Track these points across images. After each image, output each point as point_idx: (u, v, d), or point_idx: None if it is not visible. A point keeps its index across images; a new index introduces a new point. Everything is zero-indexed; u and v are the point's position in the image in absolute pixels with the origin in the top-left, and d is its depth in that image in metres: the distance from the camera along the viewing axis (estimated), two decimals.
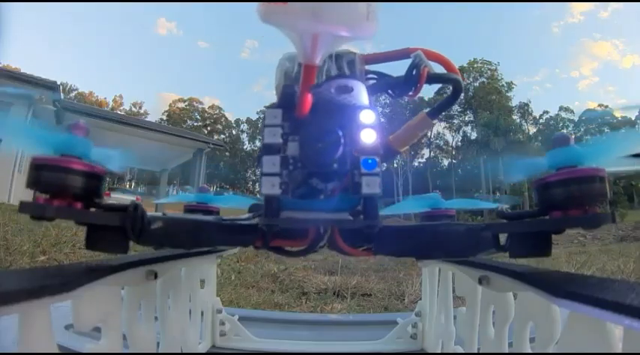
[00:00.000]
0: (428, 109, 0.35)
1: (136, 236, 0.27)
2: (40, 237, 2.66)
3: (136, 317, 0.38)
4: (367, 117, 0.26)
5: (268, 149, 0.26)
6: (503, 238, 0.28)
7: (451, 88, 0.34)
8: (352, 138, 0.26)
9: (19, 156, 7.21)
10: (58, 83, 7.87)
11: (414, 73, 0.32)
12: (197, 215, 0.37)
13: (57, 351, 0.25)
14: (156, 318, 0.42)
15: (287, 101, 0.28)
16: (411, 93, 0.32)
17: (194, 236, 0.31)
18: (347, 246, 0.32)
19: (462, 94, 0.34)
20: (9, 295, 0.19)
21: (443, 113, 0.35)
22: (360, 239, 0.31)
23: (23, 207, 0.24)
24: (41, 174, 0.24)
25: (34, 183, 0.24)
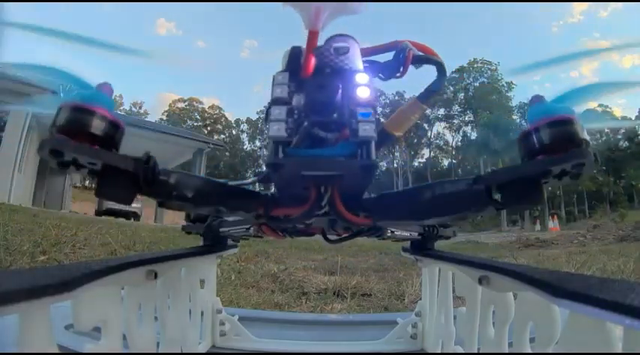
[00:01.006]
0: (418, 94, 0.38)
1: (147, 184, 0.28)
2: (40, 237, 2.66)
3: (136, 317, 0.38)
4: (362, 78, 0.30)
5: (276, 101, 0.29)
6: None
7: (436, 72, 0.36)
8: (349, 95, 0.29)
9: (18, 157, 7.22)
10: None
11: (400, 56, 0.35)
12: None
13: (57, 351, 0.25)
14: (156, 318, 0.42)
15: (293, 64, 0.31)
16: (398, 74, 0.35)
17: (201, 194, 0.32)
18: (347, 212, 0.33)
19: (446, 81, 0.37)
20: (9, 295, 0.19)
21: (433, 97, 0.37)
22: (359, 203, 0.33)
23: (43, 144, 0.26)
24: (66, 115, 0.26)
25: (57, 123, 0.26)
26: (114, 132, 0.27)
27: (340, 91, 0.29)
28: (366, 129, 0.28)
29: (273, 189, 0.37)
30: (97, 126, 0.26)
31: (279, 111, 0.28)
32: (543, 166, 0.26)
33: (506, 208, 0.29)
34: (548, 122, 0.27)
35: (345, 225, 0.37)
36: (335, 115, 0.29)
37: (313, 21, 0.25)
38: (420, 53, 0.35)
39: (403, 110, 0.38)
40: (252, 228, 0.48)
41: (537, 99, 0.28)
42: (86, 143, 0.26)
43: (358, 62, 0.32)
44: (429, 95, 0.37)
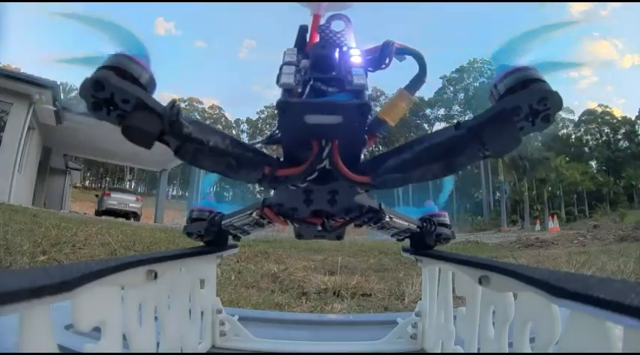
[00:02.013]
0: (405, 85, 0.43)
1: (170, 125, 0.32)
2: (40, 237, 2.66)
3: (136, 317, 0.38)
4: (355, 51, 0.36)
5: (286, 63, 0.34)
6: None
7: (417, 64, 0.40)
8: (345, 58, 0.35)
9: (18, 157, 7.22)
10: (58, 83, 7.85)
11: (386, 49, 0.39)
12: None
13: (57, 351, 0.25)
14: (156, 318, 0.42)
15: (301, 39, 0.40)
16: (383, 66, 0.39)
17: (216, 142, 0.35)
18: (345, 168, 0.36)
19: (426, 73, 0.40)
20: (9, 295, 0.19)
21: (417, 87, 0.41)
22: (356, 166, 0.37)
23: (89, 78, 0.30)
24: (115, 58, 0.32)
25: (105, 64, 0.31)
26: (147, 84, 0.32)
27: (337, 54, 0.35)
28: (359, 79, 0.32)
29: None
30: (137, 71, 0.31)
31: (289, 68, 0.33)
32: (512, 102, 0.31)
33: (489, 152, 0.33)
34: (510, 71, 0.32)
35: (343, 184, 0.39)
36: (334, 73, 0.34)
37: (316, 8, 0.37)
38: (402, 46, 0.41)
39: (392, 99, 0.41)
40: (254, 213, 0.49)
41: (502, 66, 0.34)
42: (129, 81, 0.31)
43: (351, 35, 0.39)
44: (413, 85, 0.40)
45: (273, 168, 0.37)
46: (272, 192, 0.47)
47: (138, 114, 0.31)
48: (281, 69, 0.34)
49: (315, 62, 0.34)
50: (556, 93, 0.30)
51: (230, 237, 0.59)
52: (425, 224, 0.54)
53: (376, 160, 0.38)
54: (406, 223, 0.52)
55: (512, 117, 0.31)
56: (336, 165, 0.35)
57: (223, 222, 0.53)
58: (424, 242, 0.56)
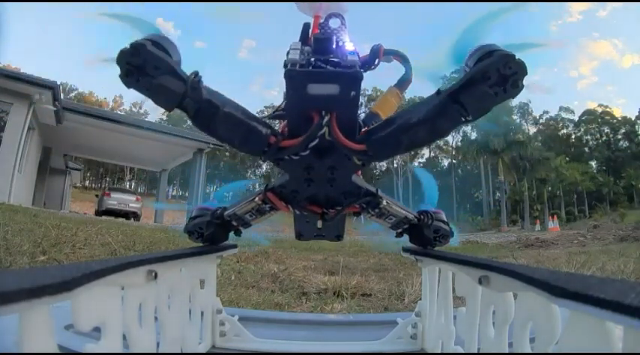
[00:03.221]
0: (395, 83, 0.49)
1: (192, 89, 0.37)
2: (40, 237, 2.66)
3: (136, 317, 0.38)
4: (349, 44, 0.42)
5: (293, 49, 0.40)
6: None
7: (404, 66, 0.47)
8: (340, 46, 0.41)
9: (18, 157, 7.22)
10: (58, 83, 7.85)
11: (374, 52, 0.45)
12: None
13: (57, 351, 0.25)
14: (156, 318, 0.42)
15: (304, 37, 0.46)
16: (373, 66, 0.45)
17: (230, 110, 0.41)
18: (344, 138, 0.40)
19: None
20: (9, 295, 0.19)
21: (406, 85, 0.48)
22: (354, 133, 0.41)
23: (128, 46, 0.36)
24: (151, 34, 0.38)
25: (145, 37, 0.38)
26: (176, 60, 0.39)
27: (334, 42, 0.41)
28: (353, 58, 0.39)
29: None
30: (169, 47, 0.39)
31: (295, 51, 0.39)
32: (480, 66, 0.37)
33: (469, 115, 0.38)
34: (476, 48, 0.39)
35: (342, 159, 0.44)
36: (331, 56, 0.40)
37: (317, 10, 0.46)
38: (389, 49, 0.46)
39: (384, 95, 0.48)
40: (257, 198, 0.51)
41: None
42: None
43: (345, 31, 0.45)
44: (401, 83, 0.47)
45: (278, 139, 0.42)
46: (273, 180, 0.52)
47: (166, 77, 0.37)
48: (288, 53, 0.39)
49: (316, 45, 0.40)
50: (518, 58, 0.36)
51: (229, 239, 0.59)
52: (422, 216, 0.55)
53: (370, 132, 0.43)
54: (403, 211, 0.53)
55: (484, 81, 0.36)
56: (335, 134, 0.40)
57: (226, 213, 0.54)
58: (423, 235, 0.55)
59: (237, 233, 0.58)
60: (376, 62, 0.45)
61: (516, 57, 0.36)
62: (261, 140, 0.42)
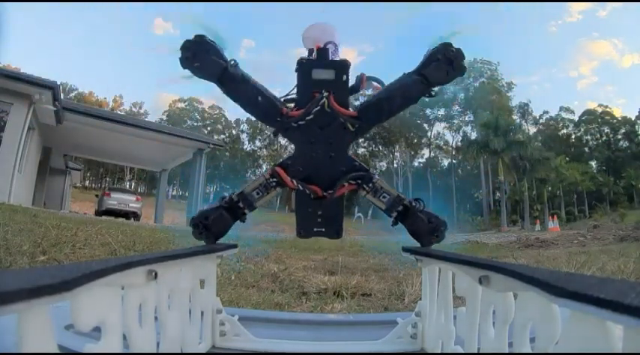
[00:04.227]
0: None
1: (231, 66, 0.56)
2: (40, 237, 2.66)
3: (136, 317, 0.38)
4: (343, 62, 0.59)
5: (302, 57, 0.59)
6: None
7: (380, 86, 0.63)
8: (334, 57, 0.59)
9: (18, 157, 7.21)
10: (58, 83, 7.85)
11: (358, 80, 0.61)
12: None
13: (57, 351, 0.25)
14: (156, 318, 0.42)
15: (308, 55, 0.60)
16: (359, 91, 0.60)
17: (254, 83, 0.58)
18: (339, 107, 0.56)
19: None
20: (9, 295, 0.19)
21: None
22: (346, 108, 0.57)
23: (195, 37, 0.55)
24: (208, 36, 0.55)
25: (198, 35, 0.55)
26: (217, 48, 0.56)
27: (330, 55, 0.58)
28: (343, 58, 0.58)
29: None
30: (219, 45, 0.55)
31: (304, 56, 0.59)
32: (432, 51, 0.56)
33: (430, 83, 0.56)
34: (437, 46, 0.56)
35: (339, 129, 0.57)
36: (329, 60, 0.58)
37: (317, 43, 0.59)
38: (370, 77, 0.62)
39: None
40: (266, 173, 0.59)
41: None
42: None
43: (337, 54, 0.60)
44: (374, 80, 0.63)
45: (288, 110, 0.57)
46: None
47: (215, 57, 0.55)
48: (299, 58, 0.58)
49: (318, 53, 0.58)
50: (455, 47, 0.55)
51: (230, 239, 0.59)
52: (415, 202, 0.58)
53: (361, 105, 0.59)
54: (395, 192, 0.58)
55: (436, 60, 0.55)
56: (332, 105, 0.56)
57: (234, 194, 0.59)
58: (417, 221, 0.57)
59: (243, 218, 0.59)
60: (360, 88, 0.60)
61: (452, 45, 0.55)
62: (276, 110, 0.57)
